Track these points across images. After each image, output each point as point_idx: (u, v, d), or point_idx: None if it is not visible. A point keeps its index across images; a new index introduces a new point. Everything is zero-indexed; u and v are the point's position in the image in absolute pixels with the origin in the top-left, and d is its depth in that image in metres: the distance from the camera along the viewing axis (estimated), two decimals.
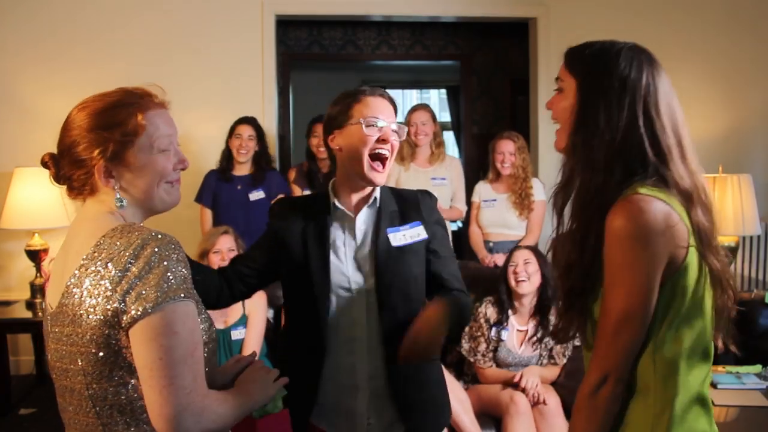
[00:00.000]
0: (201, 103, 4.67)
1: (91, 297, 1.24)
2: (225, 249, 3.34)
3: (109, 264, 1.23)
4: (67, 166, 1.36)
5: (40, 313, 4.22)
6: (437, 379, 2.06)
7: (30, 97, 4.61)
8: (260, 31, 4.78)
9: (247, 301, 3.36)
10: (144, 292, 1.20)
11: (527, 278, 3.28)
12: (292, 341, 2.01)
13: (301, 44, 7.09)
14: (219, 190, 4.12)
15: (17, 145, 4.55)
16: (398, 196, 2.04)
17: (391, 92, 7.71)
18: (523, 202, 4.10)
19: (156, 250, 1.24)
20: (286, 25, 6.69)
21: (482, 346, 3.32)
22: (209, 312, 1.45)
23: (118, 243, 1.25)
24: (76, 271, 1.26)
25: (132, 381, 1.26)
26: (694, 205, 1.37)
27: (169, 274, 1.23)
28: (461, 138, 7.91)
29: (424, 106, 4.33)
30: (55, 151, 1.40)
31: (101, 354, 1.25)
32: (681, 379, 1.38)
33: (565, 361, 3.31)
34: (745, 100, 5.13)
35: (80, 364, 1.27)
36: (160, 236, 1.26)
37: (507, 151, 4.09)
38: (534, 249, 3.48)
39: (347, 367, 1.92)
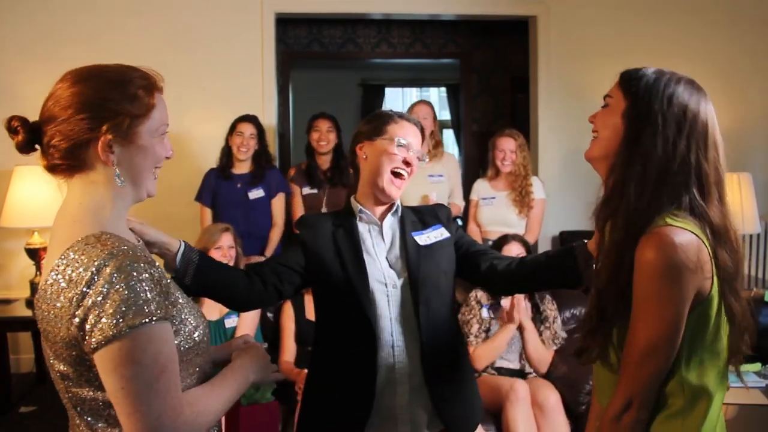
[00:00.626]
0: (201, 101, 4.67)
1: (54, 318, 1.20)
2: (226, 246, 3.35)
3: (71, 282, 1.17)
4: (59, 136, 1.25)
5: None
6: (468, 375, 2.12)
7: (30, 96, 4.58)
8: (260, 30, 4.78)
9: None
10: (102, 320, 1.14)
11: None
12: (335, 352, 2.02)
13: (300, 42, 7.09)
14: (218, 189, 4.11)
15: None
16: (415, 210, 2.17)
17: (391, 90, 7.73)
18: (523, 200, 4.10)
19: (115, 272, 1.15)
20: (285, 24, 6.68)
21: (474, 328, 3.35)
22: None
23: (81, 258, 1.18)
24: (48, 277, 1.21)
25: (82, 379, 1.24)
26: (722, 245, 1.38)
27: (128, 298, 1.15)
28: (461, 136, 7.91)
29: (426, 102, 4.34)
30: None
31: (73, 366, 1.22)
32: (707, 404, 1.40)
33: (555, 347, 3.34)
34: (745, 99, 5.13)
35: (56, 367, 1.26)
36: (122, 253, 1.18)
37: (508, 148, 4.10)
38: (523, 240, 3.51)
39: (388, 365, 1.95)
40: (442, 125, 9.24)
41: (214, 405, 1.30)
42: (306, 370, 3.17)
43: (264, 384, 1.61)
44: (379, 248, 2.02)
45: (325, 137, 4.17)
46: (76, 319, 1.16)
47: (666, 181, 1.37)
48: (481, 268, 2.03)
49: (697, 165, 1.38)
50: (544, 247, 5.02)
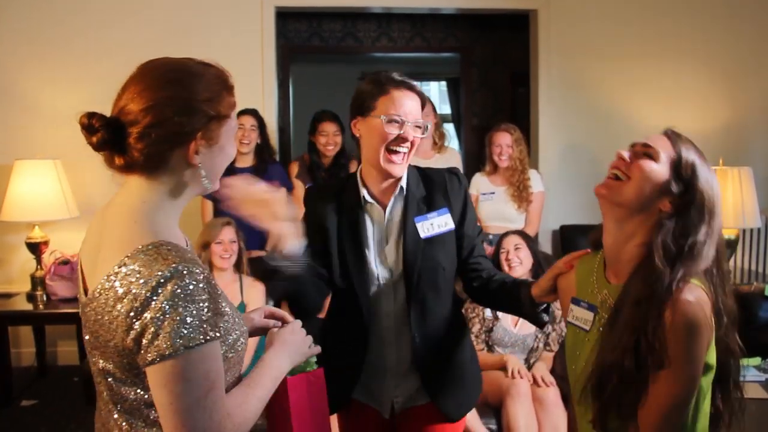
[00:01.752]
0: None
1: (110, 326, 1.21)
2: (227, 240, 3.35)
3: (128, 294, 1.17)
4: (150, 137, 1.22)
5: (41, 306, 4.23)
6: (463, 359, 2.08)
7: (30, 91, 4.60)
8: (260, 24, 4.77)
9: (245, 289, 3.37)
10: (158, 337, 1.16)
11: (519, 263, 3.33)
12: (335, 326, 2.07)
13: (300, 36, 7.07)
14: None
15: (17, 138, 4.54)
16: (426, 178, 2.05)
17: None
18: (521, 194, 4.11)
19: (177, 290, 1.16)
20: (285, 18, 6.67)
21: (476, 328, 3.35)
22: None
23: (141, 270, 1.17)
24: (105, 282, 1.20)
25: (129, 382, 1.26)
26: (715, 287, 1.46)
27: (187, 318, 1.16)
28: (461, 130, 7.90)
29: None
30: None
31: (121, 368, 1.24)
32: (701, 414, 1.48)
33: (557, 348, 3.34)
34: (746, 93, 5.12)
35: (100, 364, 1.27)
36: (182, 269, 1.17)
37: (504, 143, 4.10)
38: (522, 233, 3.51)
39: (377, 353, 1.98)
40: (442, 119, 9.23)
41: (253, 410, 1.31)
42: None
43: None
44: (378, 240, 1.98)
45: (332, 141, 4.18)
46: (133, 332, 1.17)
47: (689, 257, 1.42)
48: (465, 277, 2.07)
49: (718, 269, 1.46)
50: (545, 241, 5.03)
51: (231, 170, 4.20)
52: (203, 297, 1.19)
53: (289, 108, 7.12)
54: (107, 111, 1.30)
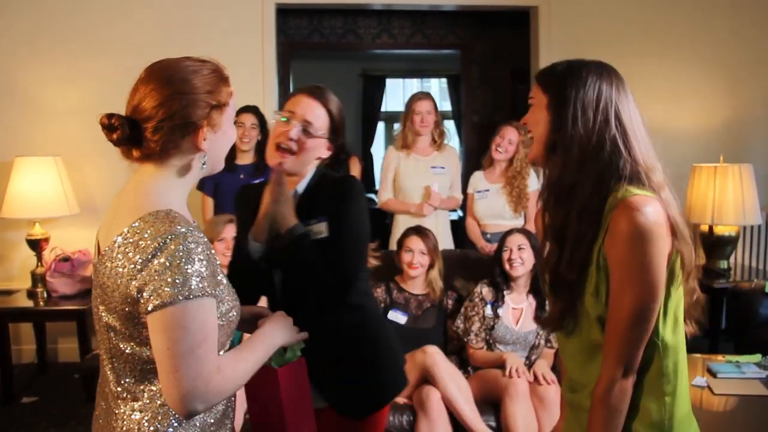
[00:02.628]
0: None
1: (117, 275, 1.34)
2: (229, 237, 3.35)
3: (136, 249, 1.31)
4: (164, 129, 1.37)
5: (41, 302, 4.23)
6: (359, 360, 2.06)
7: (30, 88, 4.60)
8: (260, 20, 4.77)
9: None
10: (160, 287, 1.29)
11: (521, 263, 3.33)
12: None
13: (301, 33, 7.07)
14: (221, 179, 4.10)
15: (17, 135, 4.54)
16: (320, 183, 2.07)
17: (392, 81, 7.69)
18: (519, 199, 4.06)
19: (180, 247, 1.30)
20: (286, 14, 6.67)
21: (476, 326, 3.35)
22: None
23: (150, 229, 1.32)
24: (115, 243, 1.35)
25: (148, 347, 1.36)
26: (665, 198, 1.47)
27: (187, 271, 1.30)
28: (461, 127, 7.90)
29: (426, 95, 4.29)
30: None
31: (122, 320, 1.36)
32: (681, 362, 1.51)
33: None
34: (746, 90, 5.12)
35: (104, 317, 1.40)
36: (186, 232, 1.32)
37: (508, 137, 4.08)
38: (526, 232, 3.49)
39: None
40: (443, 116, 9.23)
41: (242, 370, 1.42)
42: None
43: (292, 344, 1.69)
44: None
45: None
46: (136, 282, 1.31)
47: (592, 157, 1.46)
48: None
49: (622, 136, 1.48)
50: None
51: (232, 167, 4.23)
52: (203, 258, 1.33)
53: None
54: (109, 107, 1.43)
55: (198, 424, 1.43)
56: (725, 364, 3.06)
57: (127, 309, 1.34)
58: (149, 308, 1.29)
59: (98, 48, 4.61)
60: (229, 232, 3.36)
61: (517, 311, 3.37)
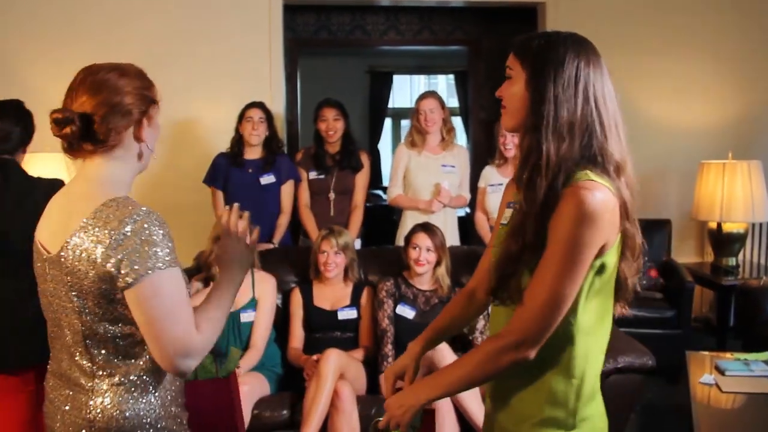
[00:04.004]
0: (209, 88, 4.66)
1: (89, 258, 1.45)
2: None
3: (106, 231, 1.44)
4: (108, 122, 1.51)
5: None
6: None
7: (39, 86, 4.61)
8: (268, 17, 4.77)
9: (257, 284, 3.38)
10: (135, 262, 1.42)
11: None
12: None
13: (308, 30, 7.07)
14: (230, 174, 4.11)
15: None
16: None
17: (399, 78, 7.70)
18: None
19: (146, 225, 1.45)
20: (293, 11, 6.67)
21: (480, 324, 3.35)
22: None
23: (114, 213, 1.45)
24: (78, 232, 1.46)
25: (120, 324, 1.50)
26: (621, 179, 1.49)
27: (156, 247, 1.44)
28: (469, 123, 7.89)
29: (431, 93, 4.30)
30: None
31: (97, 300, 1.48)
32: (595, 346, 1.53)
33: None
34: (755, 87, 5.09)
35: (76, 302, 1.49)
36: (149, 212, 1.47)
37: (510, 133, 4.08)
38: None
39: None
40: (450, 113, 9.21)
41: (217, 324, 1.56)
42: (314, 357, 3.20)
43: (227, 358, 1.75)
44: None
45: (332, 126, 4.15)
46: (113, 260, 1.43)
47: (575, 135, 1.47)
48: None
49: (597, 111, 1.49)
50: None
51: (240, 162, 4.24)
52: (165, 232, 1.47)
53: (297, 101, 7.13)
54: None
55: (174, 389, 1.60)
56: (733, 362, 3.05)
57: (103, 287, 1.45)
58: (129, 281, 1.42)
59: (106, 46, 4.62)
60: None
61: None
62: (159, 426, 1.55)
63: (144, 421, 1.52)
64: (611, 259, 1.48)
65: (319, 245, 3.50)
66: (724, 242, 4.60)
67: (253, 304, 3.35)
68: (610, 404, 3.03)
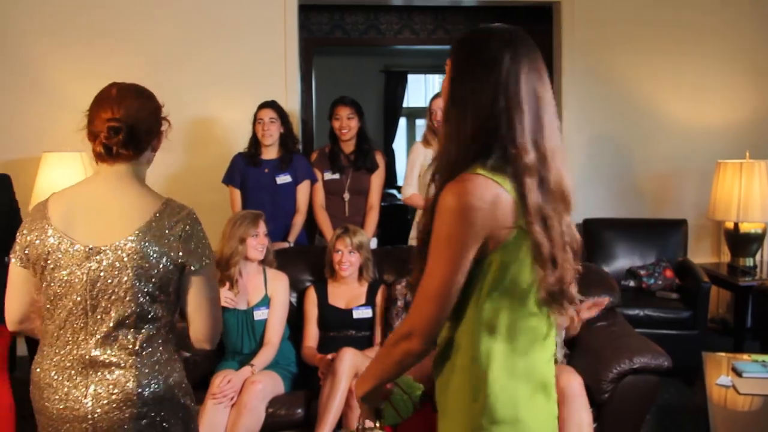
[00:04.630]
0: (224, 88, 4.69)
1: (157, 251, 1.72)
2: (262, 233, 3.37)
3: (173, 230, 1.75)
4: (147, 134, 1.80)
5: None
6: None
7: (58, 84, 4.66)
8: (282, 17, 4.78)
9: (269, 282, 3.39)
10: (199, 252, 1.78)
11: None
12: None
13: (323, 29, 7.08)
14: (247, 174, 4.13)
15: (45, 131, 4.60)
16: None
17: (414, 77, 7.69)
18: None
19: (199, 224, 1.80)
20: (308, 10, 6.68)
21: None
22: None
23: (173, 215, 1.77)
24: (143, 227, 1.72)
25: (165, 306, 1.77)
26: (533, 183, 1.42)
27: (207, 240, 1.81)
28: None
29: (441, 95, 4.29)
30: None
31: (160, 284, 1.74)
32: (499, 350, 1.46)
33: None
34: None
35: (137, 286, 1.71)
36: (194, 214, 1.81)
37: None
38: None
39: None
40: None
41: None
42: (329, 356, 3.20)
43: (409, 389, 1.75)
44: None
45: (346, 125, 4.15)
46: (182, 252, 1.74)
47: (481, 132, 1.43)
48: None
49: (507, 114, 1.43)
50: None
51: (257, 162, 4.25)
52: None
53: (312, 100, 7.14)
54: None
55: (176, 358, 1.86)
56: (751, 363, 3.03)
57: (170, 273, 1.74)
58: (194, 268, 1.76)
59: (123, 44, 4.66)
60: (262, 227, 3.37)
61: None
62: (186, 391, 1.85)
63: (181, 386, 1.82)
64: (508, 258, 1.43)
65: (334, 244, 3.51)
66: (741, 242, 4.56)
67: (266, 301, 3.37)
68: (625, 405, 3.05)
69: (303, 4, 5.02)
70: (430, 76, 10.02)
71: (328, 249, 3.58)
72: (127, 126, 1.73)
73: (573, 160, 5.00)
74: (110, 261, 1.70)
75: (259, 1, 4.77)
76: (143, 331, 1.74)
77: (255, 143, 4.14)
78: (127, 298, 1.70)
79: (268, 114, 4.09)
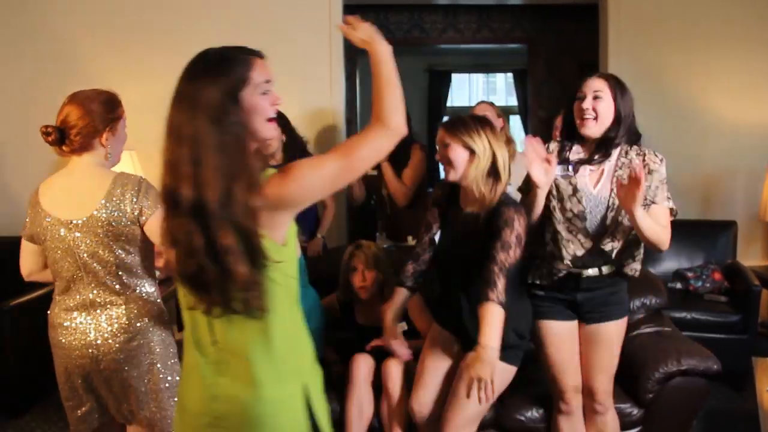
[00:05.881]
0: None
1: (119, 210, 2.23)
2: None
3: (128, 192, 2.24)
4: (83, 133, 2.27)
5: None
6: None
7: (109, 83, 4.70)
8: (328, 17, 4.82)
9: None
10: (149, 203, 2.24)
11: (595, 116, 2.80)
12: None
13: None
14: None
15: None
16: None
17: (458, 76, 7.64)
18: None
19: (148, 184, 2.28)
20: (353, 10, 6.69)
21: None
22: None
23: (126, 182, 2.26)
24: (103, 200, 2.22)
25: (133, 253, 2.28)
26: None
27: (156, 196, 2.20)
28: (527, 122, 7.82)
29: (487, 103, 4.15)
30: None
31: (127, 238, 2.25)
32: (296, 340, 1.71)
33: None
34: None
35: (112, 244, 2.25)
36: (144, 180, 2.29)
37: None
38: (607, 77, 2.83)
39: None
40: (509, 111, 9.16)
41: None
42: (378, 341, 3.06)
43: None
44: None
45: None
46: (137, 205, 2.23)
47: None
48: None
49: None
50: None
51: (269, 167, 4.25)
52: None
53: (356, 100, 7.19)
54: None
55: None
56: None
57: (133, 229, 2.24)
58: (148, 215, 2.22)
59: (172, 44, 4.74)
60: None
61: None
62: (166, 321, 2.36)
63: (162, 317, 2.34)
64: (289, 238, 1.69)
65: (349, 262, 3.30)
66: None
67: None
68: (672, 407, 2.99)
69: (348, 4, 5.05)
70: (474, 76, 9.99)
71: (342, 270, 3.36)
72: (58, 130, 2.25)
73: None
74: (87, 229, 2.23)
75: (305, 3, 4.82)
76: (125, 277, 2.27)
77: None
78: (106, 255, 2.24)
79: None
